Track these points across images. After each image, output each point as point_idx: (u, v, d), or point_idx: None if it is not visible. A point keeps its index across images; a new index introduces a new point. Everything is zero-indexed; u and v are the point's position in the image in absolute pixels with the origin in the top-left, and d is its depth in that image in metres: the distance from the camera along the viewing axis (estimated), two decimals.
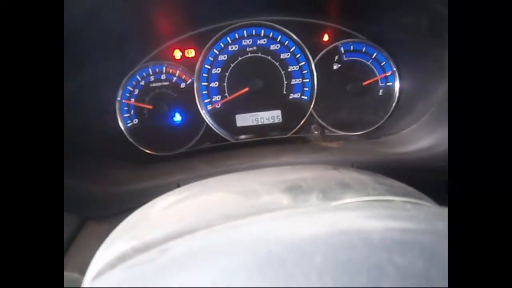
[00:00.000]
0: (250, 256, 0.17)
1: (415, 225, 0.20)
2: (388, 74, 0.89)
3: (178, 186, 0.70)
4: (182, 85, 0.89)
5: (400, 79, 0.88)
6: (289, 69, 0.89)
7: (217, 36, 0.86)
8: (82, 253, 0.65)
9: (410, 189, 0.46)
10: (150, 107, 0.88)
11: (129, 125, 0.88)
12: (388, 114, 0.89)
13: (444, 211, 0.29)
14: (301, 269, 0.15)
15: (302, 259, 0.16)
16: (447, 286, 0.14)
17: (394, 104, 0.89)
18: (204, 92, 0.89)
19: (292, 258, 0.16)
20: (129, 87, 0.87)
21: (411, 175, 0.60)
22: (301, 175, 0.43)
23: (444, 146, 0.70)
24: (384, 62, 0.88)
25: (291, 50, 0.88)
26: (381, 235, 0.18)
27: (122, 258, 0.34)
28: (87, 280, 0.35)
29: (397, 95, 0.89)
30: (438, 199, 0.43)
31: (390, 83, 0.89)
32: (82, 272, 0.46)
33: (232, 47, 0.87)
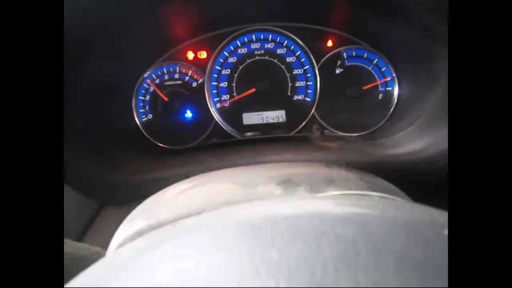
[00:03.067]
0: (235, 224, 0.24)
1: (368, 211, 0.26)
2: (388, 79, 0.94)
3: (187, 177, 0.77)
4: (194, 84, 0.95)
5: (399, 84, 0.93)
6: (294, 72, 0.94)
7: (227, 39, 0.92)
8: (101, 232, 0.72)
9: (391, 186, 0.52)
10: (166, 99, 0.95)
11: (144, 119, 0.96)
12: (386, 118, 0.94)
13: (404, 204, 0.35)
14: (270, 233, 0.21)
15: (272, 227, 0.22)
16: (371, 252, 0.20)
17: (392, 108, 0.94)
18: (214, 91, 0.95)
19: (265, 226, 0.22)
20: (145, 85, 0.95)
21: (402, 175, 0.65)
22: (295, 171, 0.49)
23: (435, 148, 0.76)
24: (384, 68, 0.94)
25: (297, 54, 0.94)
26: (334, 214, 0.24)
27: (140, 233, 0.41)
28: (110, 250, 0.42)
29: (395, 99, 0.94)
30: (425, 196, 0.48)
31: (390, 88, 0.94)
32: (103, 246, 0.53)
33: (241, 50, 0.94)
